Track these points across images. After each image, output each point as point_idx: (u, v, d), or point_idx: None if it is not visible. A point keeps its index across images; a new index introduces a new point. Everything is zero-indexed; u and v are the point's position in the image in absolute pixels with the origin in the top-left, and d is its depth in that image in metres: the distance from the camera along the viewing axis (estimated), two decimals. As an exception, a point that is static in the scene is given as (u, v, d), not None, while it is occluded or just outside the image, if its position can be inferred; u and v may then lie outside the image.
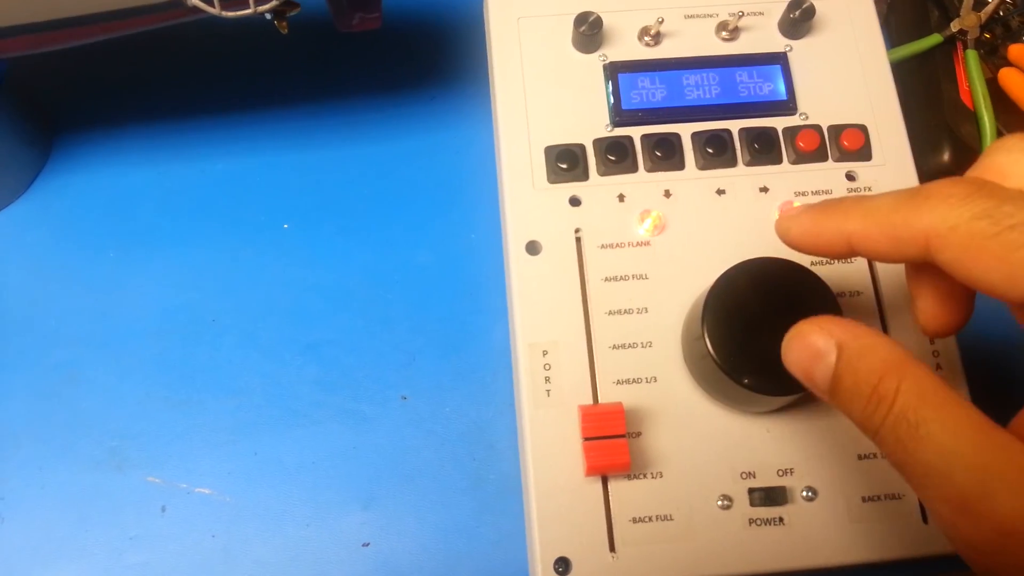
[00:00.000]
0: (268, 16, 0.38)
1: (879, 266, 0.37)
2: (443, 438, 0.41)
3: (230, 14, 0.36)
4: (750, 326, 0.31)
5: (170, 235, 0.46)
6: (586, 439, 0.33)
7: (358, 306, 0.44)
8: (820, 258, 0.36)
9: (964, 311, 0.28)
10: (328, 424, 0.42)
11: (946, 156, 0.45)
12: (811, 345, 0.26)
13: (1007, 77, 0.46)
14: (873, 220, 0.26)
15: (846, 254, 0.27)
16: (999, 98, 0.47)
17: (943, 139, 0.46)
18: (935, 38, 0.48)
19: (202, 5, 0.36)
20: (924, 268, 0.28)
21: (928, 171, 0.45)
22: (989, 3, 0.48)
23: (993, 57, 0.48)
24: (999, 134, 0.46)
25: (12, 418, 0.42)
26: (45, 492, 0.40)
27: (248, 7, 0.36)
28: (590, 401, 0.34)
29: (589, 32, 0.38)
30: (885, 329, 0.35)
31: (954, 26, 0.48)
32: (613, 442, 0.32)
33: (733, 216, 0.37)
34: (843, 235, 0.27)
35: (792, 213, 0.29)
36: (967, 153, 0.46)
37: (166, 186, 0.47)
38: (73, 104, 0.49)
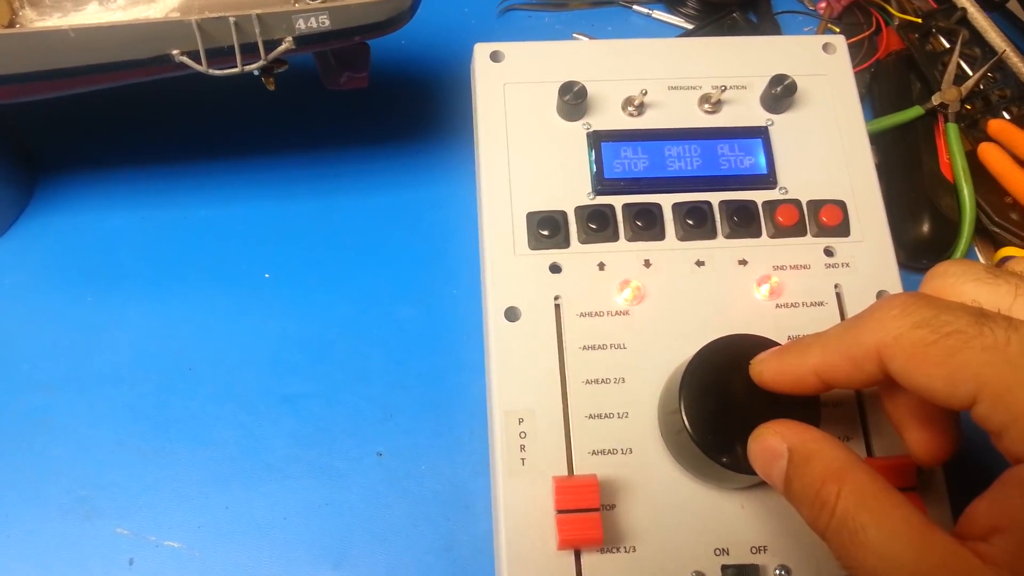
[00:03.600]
0: (256, 73, 0.38)
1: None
2: (418, 497, 0.41)
3: (217, 72, 0.36)
4: (727, 403, 0.31)
5: (149, 281, 0.46)
6: (559, 512, 0.32)
7: (337, 359, 0.44)
8: None
9: (949, 436, 0.29)
10: (301, 479, 0.41)
11: (926, 227, 0.46)
12: (769, 447, 0.27)
13: (986, 151, 0.47)
14: (830, 348, 0.27)
15: (820, 388, 0.28)
16: (978, 171, 0.47)
17: (923, 210, 0.46)
18: (916, 110, 0.49)
19: (189, 62, 0.36)
20: (898, 395, 0.29)
21: (908, 242, 0.46)
22: (970, 78, 0.49)
23: (973, 130, 0.49)
24: (978, 206, 0.47)
25: (-21, 464, 0.41)
26: (10, 541, 0.39)
27: (235, 66, 0.37)
28: (565, 471, 0.34)
29: (574, 101, 0.38)
30: (862, 412, 0.36)
31: (935, 99, 0.49)
32: (586, 516, 0.32)
33: (712, 288, 0.37)
34: (808, 370, 0.28)
35: (761, 356, 0.30)
36: (946, 225, 0.46)
37: (147, 231, 0.47)
38: (59, 145, 0.49)
